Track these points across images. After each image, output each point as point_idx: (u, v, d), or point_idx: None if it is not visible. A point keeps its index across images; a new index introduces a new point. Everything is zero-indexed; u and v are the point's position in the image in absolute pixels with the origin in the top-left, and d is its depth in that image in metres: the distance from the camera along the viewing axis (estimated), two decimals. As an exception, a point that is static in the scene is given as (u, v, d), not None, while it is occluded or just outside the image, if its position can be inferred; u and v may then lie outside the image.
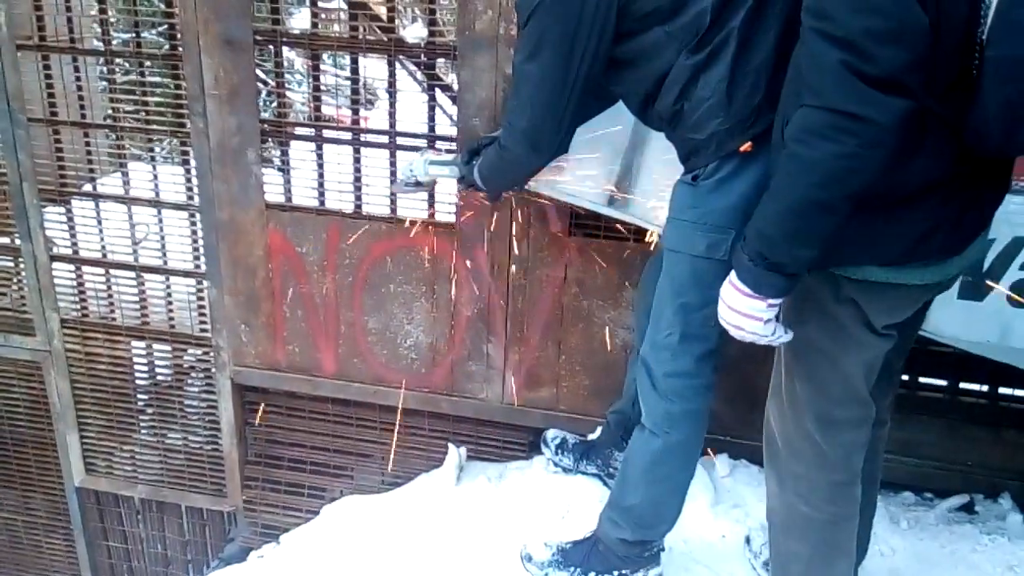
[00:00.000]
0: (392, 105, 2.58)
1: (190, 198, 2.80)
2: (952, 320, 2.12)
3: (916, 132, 1.31)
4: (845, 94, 1.25)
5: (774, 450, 1.77)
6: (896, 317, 1.55)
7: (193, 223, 2.85)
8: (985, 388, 2.61)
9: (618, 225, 2.41)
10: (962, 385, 2.63)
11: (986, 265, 2.07)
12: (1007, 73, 1.22)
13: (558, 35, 1.70)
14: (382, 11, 2.66)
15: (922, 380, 2.64)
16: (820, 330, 1.58)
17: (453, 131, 2.58)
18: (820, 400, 1.63)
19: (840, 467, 1.68)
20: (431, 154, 2.34)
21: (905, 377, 2.59)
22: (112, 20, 2.85)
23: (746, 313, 1.48)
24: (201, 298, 2.94)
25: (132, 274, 2.98)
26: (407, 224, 2.59)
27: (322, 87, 2.67)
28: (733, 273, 1.49)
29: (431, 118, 2.60)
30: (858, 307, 1.52)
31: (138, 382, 3.18)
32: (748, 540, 2.34)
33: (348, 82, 2.73)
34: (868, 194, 1.36)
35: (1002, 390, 2.59)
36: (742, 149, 1.67)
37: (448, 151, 2.48)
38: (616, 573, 2.10)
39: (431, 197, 2.58)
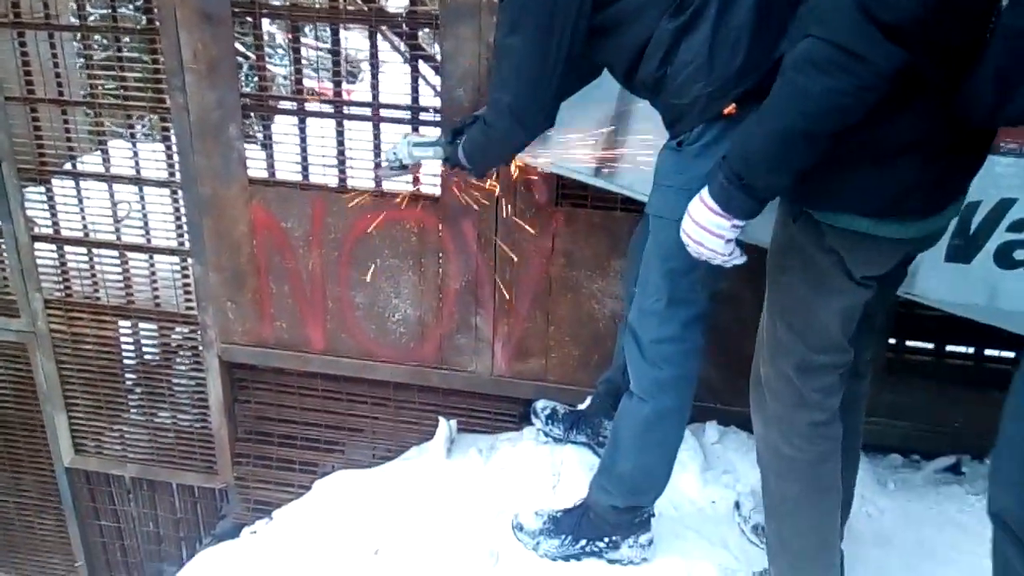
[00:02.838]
0: (375, 77, 2.55)
1: (171, 175, 2.77)
2: (940, 283, 2.13)
3: (906, 88, 1.33)
4: (854, 33, 1.26)
5: (759, 394, 1.81)
6: (874, 270, 1.59)
7: (176, 200, 2.82)
8: (971, 350, 2.63)
9: (605, 194, 2.40)
10: (948, 348, 2.64)
11: (973, 227, 2.08)
12: (1015, 43, 1.23)
13: (537, 8, 1.70)
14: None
15: (908, 343, 2.65)
16: (802, 278, 1.62)
17: (437, 102, 2.55)
18: (800, 346, 1.67)
19: (818, 408, 1.72)
20: (414, 136, 2.32)
21: (892, 340, 2.61)
22: (88, -5, 2.80)
23: (710, 230, 1.53)
24: (186, 276, 2.92)
25: (115, 253, 2.96)
26: (395, 198, 2.58)
27: (303, 60, 2.64)
28: (705, 190, 1.52)
29: (414, 89, 2.57)
30: (839, 256, 1.55)
31: (125, 361, 3.16)
32: (738, 505, 2.35)
33: (330, 55, 2.70)
34: (853, 143, 1.39)
35: (988, 352, 2.61)
36: (726, 112, 1.67)
37: (431, 121, 2.45)
38: (607, 540, 2.11)
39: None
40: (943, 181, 1.49)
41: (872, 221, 1.49)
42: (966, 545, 2.28)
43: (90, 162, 2.94)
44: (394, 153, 2.30)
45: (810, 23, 1.33)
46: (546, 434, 2.64)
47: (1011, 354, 2.60)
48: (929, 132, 1.41)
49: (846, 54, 1.27)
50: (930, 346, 2.65)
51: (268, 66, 3.00)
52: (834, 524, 1.87)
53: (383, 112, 2.56)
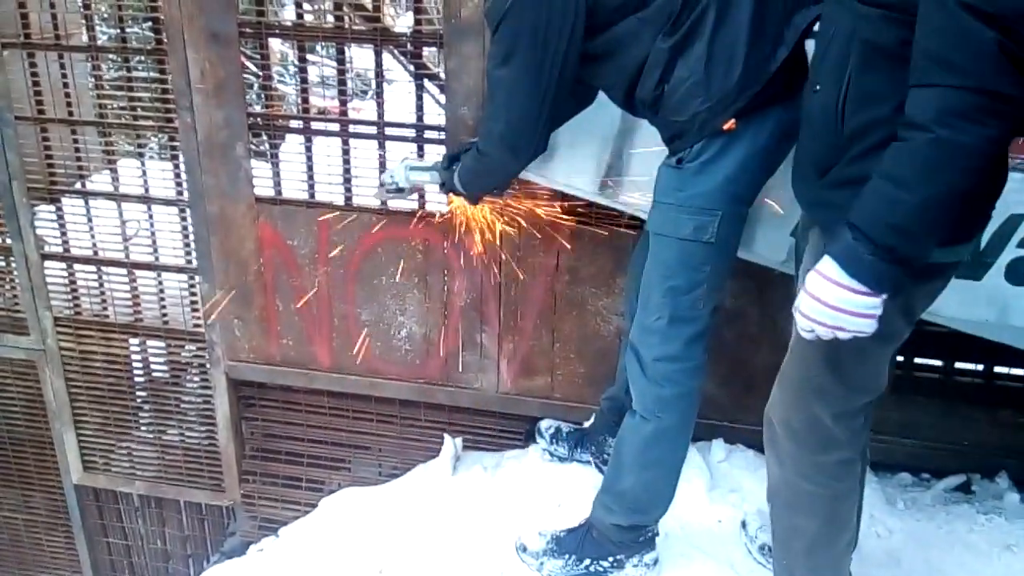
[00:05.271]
0: (380, 96, 2.57)
1: (179, 193, 2.79)
2: (950, 300, 2.09)
3: None
4: (1001, 75, 1.19)
5: (772, 432, 1.78)
6: (934, 297, 1.57)
7: (183, 218, 2.84)
8: (981, 368, 2.60)
9: (610, 211, 2.40)
10: (958, 365, 2.62)
11: (983, 244, 2.06)
12: None
13: (528, 39, 1.71)
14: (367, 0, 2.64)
15: (917, 360, 2.63)
16: None
17: (442, 120, 2.56)
18: (845, 391, 1.62)
19: (849, 446, 1.70)
20: (412, 160, 2.34)
21: (900, 358, 2.58)
22: (105, 16, 2.83)
23: (857, 312, 1.36)
24: (194, 293, 2.94)
25: (124, 271, 2.98)
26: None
27: (311, 79, 2.66)
28: (835, 271, 1.35)
29: (419, 108, 2.58)
30: (904, 296, 1.48)
31: (134, 379, 3.18)
32: (744, 525, 2.33)
33: (337, 73, 2.71)
34: None
35: (998, 369, 2.59)
36: (725, 127, 1.67)
37: (436, 140, 2.45)
38: (611, 559, 2.10)
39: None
40: (995, 194, 1.49)
41: (944, 249, 1.44)
42: (975, 565, 2.25)
43: (100, 181, 2.97)
44: (391, 177, 2.32)
45: (928, 70, 1.24)
46: (551, 453, 2.63)
47: (1021, 371, 2.58)
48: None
49: (996, 99, 1.20)
50: (939, 363, 2.62)
51: (278, 85, 3.02)
52: (847, 560, 1.86)
53: (388, 130, 2.57)
